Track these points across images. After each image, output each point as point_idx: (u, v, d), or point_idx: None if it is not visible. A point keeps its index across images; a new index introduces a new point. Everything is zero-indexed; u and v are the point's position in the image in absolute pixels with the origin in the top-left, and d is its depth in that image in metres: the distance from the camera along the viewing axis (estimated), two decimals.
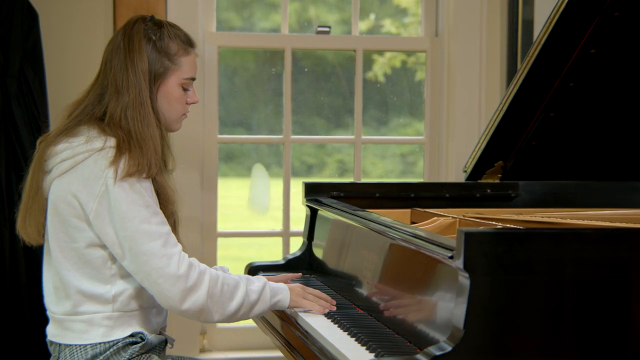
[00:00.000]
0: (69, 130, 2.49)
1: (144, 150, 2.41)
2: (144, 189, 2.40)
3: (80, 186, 2.40)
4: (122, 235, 2.37)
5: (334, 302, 2.62)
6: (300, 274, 2.98)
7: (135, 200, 2.37)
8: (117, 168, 2.37)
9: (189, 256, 2.44)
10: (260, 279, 2.55)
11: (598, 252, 2.03)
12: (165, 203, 2.50)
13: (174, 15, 4.43)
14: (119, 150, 2.39)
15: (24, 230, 2.55)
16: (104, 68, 2.55)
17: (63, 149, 2.45)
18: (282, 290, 2.58)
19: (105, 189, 2.37)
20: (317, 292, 2.64)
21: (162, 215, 2.42)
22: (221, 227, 4.74)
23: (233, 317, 2.48)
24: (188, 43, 2.59)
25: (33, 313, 4.00)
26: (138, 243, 2.35)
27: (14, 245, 3.94)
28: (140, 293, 2.49)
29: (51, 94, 4.21)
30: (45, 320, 3.86)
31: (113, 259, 2.45)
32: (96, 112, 2.50)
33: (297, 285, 2.65)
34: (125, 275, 2.46)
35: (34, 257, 3.97)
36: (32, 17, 4.07)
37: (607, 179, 3.45)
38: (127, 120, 2.45)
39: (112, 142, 2.41)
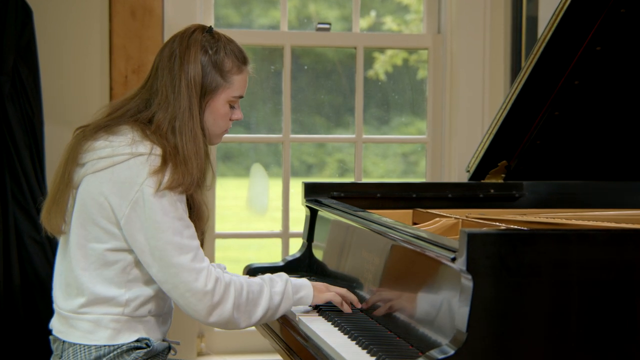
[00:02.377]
0: (109, 128, 2.46)
1: (188, 167, 2.41)
2: (179, 202, 2.39)
3: (115, 188, 2.38)
4: (153, 245, 2.36)
5: (359, 305, 2.62)
6: None
7: (170, 212, 2.36)
8: (158, 179, 2.36)
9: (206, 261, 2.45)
10: (282, 277, 2.56)
11: (604, 254, 2.01)
12: (198, 220, 2.50)
13: (171, 11, 4.42)
14: (164, 161, 2.38)
15: (48, 221, 2.52)
16: (155, 73, 2.52)
17: (102, 146, 2.43)
18: (304, 287, 2.59)
19: (141, 195, 2.36)
20: (343, 290, 2.64)
21: (193, 229, 2.43)
22: (219, 228, 4.76)
23: (259, 322, 2.51)
24: (242, 61, 2.57)
25: (27, 315, 3.99)
26: (169, 255, 2.36)
27: (7, 246, 3.93)
28: (152, 301, 2.48)
29: (45, 92, 4.21)
30: (40, 322, 3.89)
31: (132, 265, 2.44)
32: (141, 117, 2.48)
33: (321, 283, 2.65)
34: (142, 282, 2.46)
35: (28, 258, 3.96)
36: (26, 14, 4.06)
37: (613, 179, 3.44)
38: (175, 134, 2.43)
39: (157, 150, 2.39)
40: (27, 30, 4.04)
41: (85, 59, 4.40)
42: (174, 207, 2.37)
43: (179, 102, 2.45)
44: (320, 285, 2.63)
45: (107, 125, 2.47)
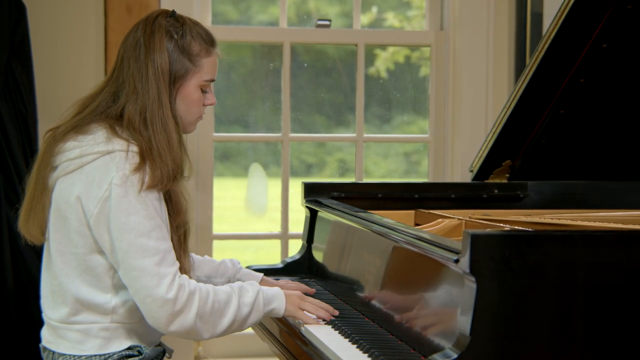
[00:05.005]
0: (79, 127, 2.42)
1: (163, 159, 2.35)
2: (150, 199, 2.33)
3: (85, 188, 2.34)
4: (117, 246, 2.31)
5: (336, 313, 2.58)
6: (313, 290, 2.88)
7: (138, 211, 2.30)
8: (138, 178, 2.30)
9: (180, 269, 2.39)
10: (254, 287, 2.49)
11: (610, 255, 2.01)
12: (177, 213, 2.45)
13: (167, 7, 4.38)
14: (142, 158, 2.33)
15: (27, 229, 2.49)
16: (120, 64, 2.47)
17: (72, 147, 2.38)
18: (276, 298, 2.52)
19: (109, 194, 2.30)
20: (317, 301, 2.60)
21: (165, 230, 2.36)
22: (217, 229, 4.78)
23: (224, 333, 2.44)
24: (210, 43, 2.52)
25: (21, 317, 4.00)
26: (132, 257, 2.29)
27: (0, 247, 3.94)
28: None
29: (39, 90, 4.23)
30: (33, 326, 3.87)
31: (114, 268, 2.38)
32: (111, 112, 2.43)
33: (296, 293, 2.60)
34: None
35: (21, 260, 3.96)
36: (19, 10, 4.08)
37: (620, 178, 3.44)
38: (147, 127, 2.38)
39: (132, 147, 2.34)
40: (21, 27, 4.05)
41: (80, 56, 4.42)
42: (144, 205, 2.30)
43: (148, 92, 2.39)
44: (294, 296, 2.55)
45: (76, 125, 2.42)
